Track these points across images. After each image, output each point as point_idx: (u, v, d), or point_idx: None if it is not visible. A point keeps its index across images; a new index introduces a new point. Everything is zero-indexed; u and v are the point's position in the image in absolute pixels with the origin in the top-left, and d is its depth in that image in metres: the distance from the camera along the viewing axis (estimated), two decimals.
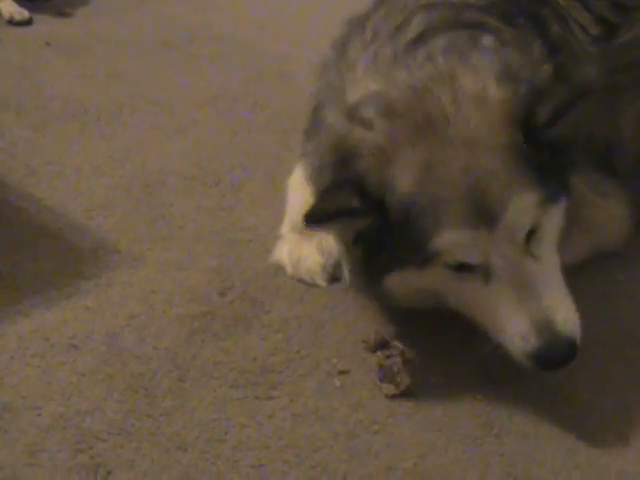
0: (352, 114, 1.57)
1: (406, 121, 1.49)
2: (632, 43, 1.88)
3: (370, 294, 1.73)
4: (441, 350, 1.65)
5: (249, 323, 1.74)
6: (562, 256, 1.56)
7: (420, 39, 1.62)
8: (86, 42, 3.19)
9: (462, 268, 1.48)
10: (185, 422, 1.51)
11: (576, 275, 1.57)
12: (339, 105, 1.62)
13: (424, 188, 1.46)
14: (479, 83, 1.50)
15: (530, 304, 1.45)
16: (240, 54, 3.11)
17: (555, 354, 1.45)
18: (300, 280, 1.86)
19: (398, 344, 1.63)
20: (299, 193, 1.94)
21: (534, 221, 1.48)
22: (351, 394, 1.58)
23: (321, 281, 1.85)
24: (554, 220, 1.53)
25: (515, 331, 1.45)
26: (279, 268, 1.89)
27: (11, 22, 3.35)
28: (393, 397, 1.57)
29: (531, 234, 1.48)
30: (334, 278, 1.85)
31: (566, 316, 1.46)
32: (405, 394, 1.57)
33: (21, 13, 3.37)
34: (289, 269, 1.87)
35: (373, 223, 1.50)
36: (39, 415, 1.51)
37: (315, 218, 1.51)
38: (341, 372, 1.62)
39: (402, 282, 1.57)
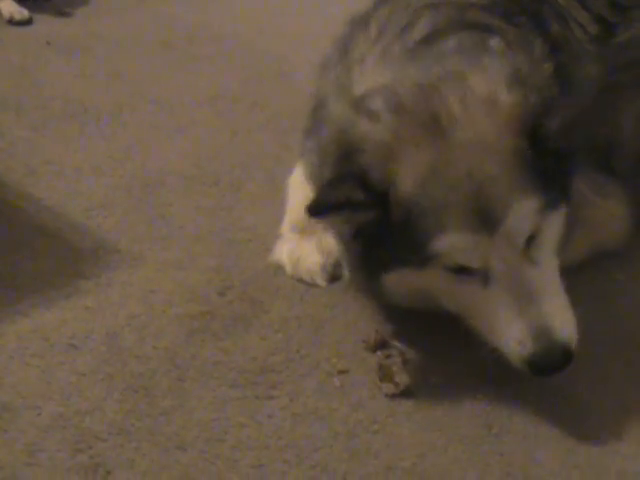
0: (358, 105, 1.56)
1: (413, 118, 1.48)
2: (631, 42, 1.88)
3: (369, 293, 1.73)
4: (441, 350, 1.65)
5: (249, 323, 1.74)
6: (562, 256, 1.56)
7: (429, 39, 1.62)
8: (86, 42, 3.19)
9: (461, 271, 1.48)
10: (185, 422, 1.51)
11: (576, 275, 1.57)
12: (345, 97, 1.61)
13: (427, 189, 1.45)
14: (489, 86, 1.49)
15: (528, 309, 1.45)
16: (240, 54, 3.11)
17: (550, 360, 1.45)
18: (300, 280, 1.86)
19: (398, 344, 1.63)
20: (299, 193, 1.94)
21: (534, 227, 1.48)
22: (351, 394, 1.58)
23: (321, 281, 1.84)
24: (554, 226, 1.53)
25: (512, 335, 1.45)
26: (279, 268, 1.88)
27: (11, 22, 3.34)
28: (393, 397, 1.56)
29: (531, 239, 1.48)
30: (334, 278, 1.85)
31: (563, 322, 1.46)
32: (405, 394, 1.57)
33: (21, 13, 3.37)
34: (289, 269, 1.87)
35: (375, 218, 1.49)
36: (38, 415, 1.51)
37: (318, 209, 1.50)
38: (341, 372, 1.62)
39: (401, 281, 1.57)
